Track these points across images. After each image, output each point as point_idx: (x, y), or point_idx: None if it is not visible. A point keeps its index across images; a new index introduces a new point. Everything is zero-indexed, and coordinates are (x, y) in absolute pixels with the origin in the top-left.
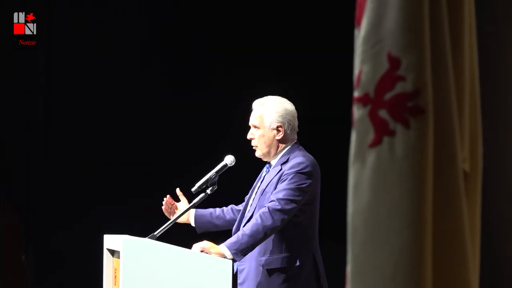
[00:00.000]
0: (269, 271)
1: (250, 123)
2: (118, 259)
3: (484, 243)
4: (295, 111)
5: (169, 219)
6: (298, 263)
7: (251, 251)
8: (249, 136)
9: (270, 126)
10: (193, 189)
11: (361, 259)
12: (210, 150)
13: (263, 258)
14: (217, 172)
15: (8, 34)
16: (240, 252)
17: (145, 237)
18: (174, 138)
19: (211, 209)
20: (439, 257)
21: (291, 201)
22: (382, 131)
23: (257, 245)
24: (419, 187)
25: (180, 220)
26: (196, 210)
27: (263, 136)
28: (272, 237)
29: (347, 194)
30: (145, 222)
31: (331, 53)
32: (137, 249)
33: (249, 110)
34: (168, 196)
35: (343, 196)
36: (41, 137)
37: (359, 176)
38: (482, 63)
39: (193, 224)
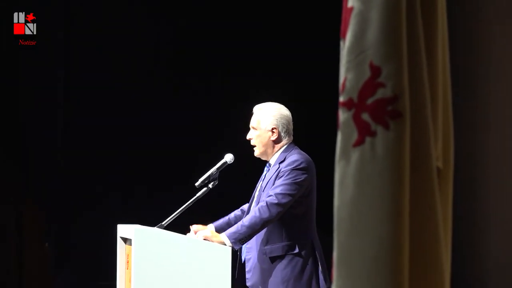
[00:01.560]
0: (272, 259)
1: (250, 125)
2: (130, 246)
3: (455, 231)
4: (290, 116)
5: (176, 210)
6: (297, 250)
7: (248, 240)
8: (248, 137)
9: (266, 128)
10: (196, 184)
11: (346, 247)
12: (212, 148)
13: (266, 248)
14: (217, 168)
15: (8, 34)
16: (238, 241)
17: (154, 226)
18: (179, 137)
19: (226, 219)
20: (416, 246)
21: (287, 195)
22: (364, 132)
23: (255, 235)
24: (398, 182)
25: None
26: (215, 228)
27: (260, 136)
28: (273, 228)
29: (333, 189)
30: (154, 212)
31: (321, 62)
32: (147, 237)
33: (246, 114)
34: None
35: (330, 191)
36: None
37: (344, 173)
38: (454, 72)
39: None
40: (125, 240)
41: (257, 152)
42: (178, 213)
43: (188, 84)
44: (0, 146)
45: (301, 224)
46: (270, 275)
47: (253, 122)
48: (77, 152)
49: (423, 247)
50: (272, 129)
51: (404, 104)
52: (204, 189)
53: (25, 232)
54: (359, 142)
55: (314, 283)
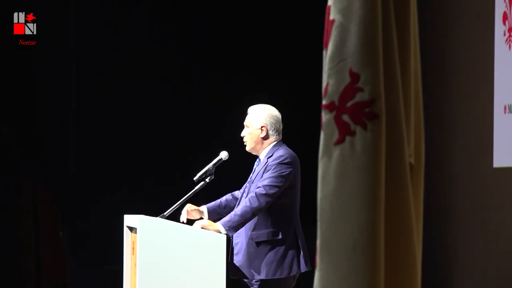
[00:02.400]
0: (257, 243)
1: (244, 123)
2: (135, 234)
3: (425, 221)
4: (279, 116)
5: (177, 202)
6: (280, 236)
7: (241, 227)
8: (242, 134)
9: (256, 126)
10: (195, 178)
11: (327, 235)
12: (209, 146)
13: (253, 233)
14: (214, 164)
15: (8, 34)
16: (232, 229)
17: (157, 216)
18: (180, 136)
19: (218, 202)
20: (390, 233)
21: (274, 186)
22: (344, 132)
23: (246, 222)
24: (374, 177)
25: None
26: (208, 209)
27: (251, 134)
28: (260, 216)
29: (316, 183)
30: (157, 204)
31: (306, 69)
32: (150, 226)
33: (240, 116)
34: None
35: (314, 185)
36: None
37: (326, 168)
38: (425, 78)
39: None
40: (131, 229)
41: (247, 147)
42: (178, 204)
43: (190, 89)
44: (18, 141)
45: (285, 214)
46: (255, 258)
47: (246, 121)
48: (88, 149)
49: (398, 234)
50: (261, 127)
51: (380, 107)
52: (202, 183)
53: (42, 221)
54: (339, 141)
55: (295, 266)
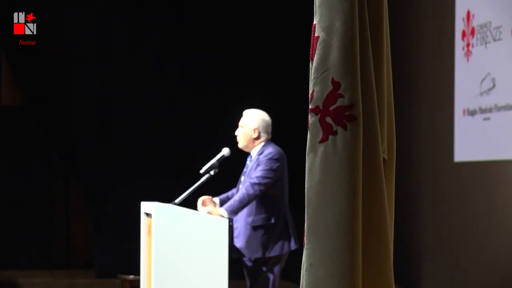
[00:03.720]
0: (254, 228)
1: (239, 124)
2: (151, 219)
3: (396, 207)
4: (270, 121)
5: (186, 191)
6: (273, 221)
7: (240, 211)
8: (236, 132)
9: (250, 128)
10: (201, 171)
11: (313, 220)
12: (214, 143)
13: (249, 219)
14: (217, 160)
15: (8, 34)
16: (232, 212)
17: (169, 203)
18: (189, 136)
19: (227, 194)
20: (367, 217)
21: (266, 177)
22: (328, 131)
23: (244, 207)
24: (353, 170)
25: (213, 213)
26: (220, 199)
27: (245, 134)
28: (255, 204)
29: (304, 176)
30: (169, 192)
31: (295, 78)
32: (164, 212)
33: (239, 118)
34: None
35: (302, 178)
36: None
37: (312, 163)
38: (396, 86)
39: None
40: (147, 214)
41: (240, 145)
42: (187, 193)
43: (198, 95)
44: (52, 138)
45: (275, 202)
46: (252, 240)
47: (241, 122)
48: (112, 144)
49: (374, 218)
50: (254, 129)
51: (358, 110)
52: (207, 175)
53: (71, 206)
54: (323, 140)
55: (285, 245)
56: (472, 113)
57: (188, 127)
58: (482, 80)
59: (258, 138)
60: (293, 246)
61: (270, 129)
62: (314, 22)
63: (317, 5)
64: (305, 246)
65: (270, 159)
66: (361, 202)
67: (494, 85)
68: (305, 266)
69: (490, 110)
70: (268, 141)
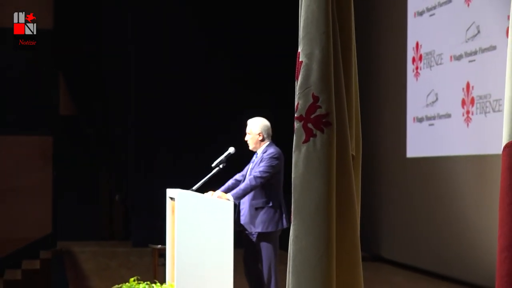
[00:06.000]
0: (256, 208)
1: (246, 131)
2: (174, 202)
3: (362, 193)
4: (269, 125)
5: (200, 181)
6: (270, 204)
7: (243, 197)
8: (246, 138)
9: (255, 132)
10: (212, 165)
11: (298, 203)
12: (223, 142)
13: (253, 202)
14: (225, 156)
15: (8, 34)
16: (237, 198)
17: (188, 189)
18: (204, 136)
19: (227, 186)
20: (340, 201)
21: (266, 172)
22: (309, 134)
23: (247, 194)
24: (329, 164)
25: (222, 197)
26: (227, 189)
27: (252, 138)
28: (257, 190)
29: (292, 168)
30: (188, 180)
31: (286, 93)
32: (184, 196)
33: (244, 123)
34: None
35: (290, 170)
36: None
37: (297, 158)
38: (362, 98)
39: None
40: (171, 198)
41: (250, 147)
42: (202, 182)
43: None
44: (98, 142)
45: (274, 189)
46: (254, 218)
47: (247, 129)
48: (146, 144)
49: (344, 202)
50: (259, 133)
51: (333, 118)
52: (217, 168)
53: (113, 193)
54: (306, 141)
55: (280, 223)
56: (420, 120)
57: (203, 132)
58: (428, 95)
59: (263, 140)
60: (285, 224)
61: (270, 131)
62: (299, 50)
63: (300, 37)
64: (292, 222)
65: (271, 157)
66: (335, 189)
67: (437, 99)
68: (292, 237)
69: (434, 117)
70: (271, 143)
